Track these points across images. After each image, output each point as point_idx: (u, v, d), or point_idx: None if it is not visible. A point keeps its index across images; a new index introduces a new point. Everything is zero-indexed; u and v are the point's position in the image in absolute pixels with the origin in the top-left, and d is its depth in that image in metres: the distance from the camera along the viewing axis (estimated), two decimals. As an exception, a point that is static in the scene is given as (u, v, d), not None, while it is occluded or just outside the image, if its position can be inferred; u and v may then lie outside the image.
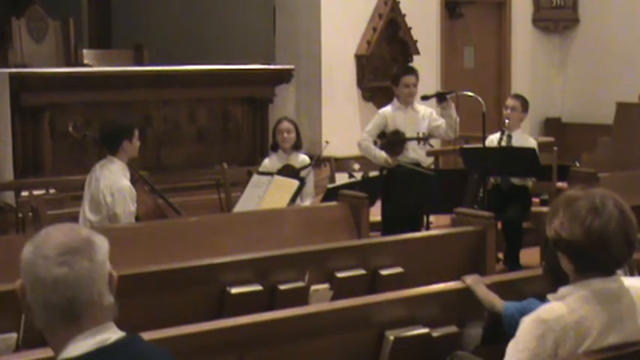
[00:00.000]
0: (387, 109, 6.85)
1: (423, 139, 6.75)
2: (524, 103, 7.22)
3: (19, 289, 2.01)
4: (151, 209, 5.86)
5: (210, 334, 3.19)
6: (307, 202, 6.44)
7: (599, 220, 2.57)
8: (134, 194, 5.63)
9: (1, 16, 10.52)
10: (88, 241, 2.01)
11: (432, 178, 6.58)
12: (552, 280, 2.69)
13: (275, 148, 6.73)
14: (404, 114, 6.78)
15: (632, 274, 3.21)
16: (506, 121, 7.12)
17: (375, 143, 6.76)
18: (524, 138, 7.27)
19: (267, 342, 3.29)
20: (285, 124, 6.71)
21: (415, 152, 6.77)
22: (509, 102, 7.26)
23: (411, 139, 6.70)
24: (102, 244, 2.03)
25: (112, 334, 2.01)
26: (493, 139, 7.19)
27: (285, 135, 6.64)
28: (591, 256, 2.59)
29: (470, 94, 6.88)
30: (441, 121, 6.78)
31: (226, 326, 3.27)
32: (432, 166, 7.41)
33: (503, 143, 7.09)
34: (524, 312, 2.94)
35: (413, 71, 6.91)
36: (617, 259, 2.63)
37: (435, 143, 7.69)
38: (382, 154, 6.69)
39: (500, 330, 3.44)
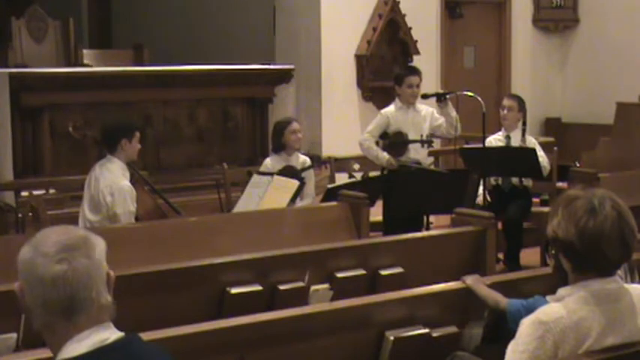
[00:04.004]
0: (389, 110, 6.86)
1: (427, 142, 6.77)
2: (521, 103, 7.23)
3: (19, 291, 2.01)
4: (150, 209, 5.86)
5: (210, 334, 3.19)
6: (306, 202, 6.41)
7: (594, 221, 2.56)
8: (134, 194, 5.63)
9: (1, 16, 10.52)
10: (85, 239, 2.02)
11: (443, 175, 6.60)
12: (561, 279, 2.68)
13: (279, 149, 6.54)
14: (406, 114, 6.79)
15: (632, 275, 3.21)
16: (513, 123, 7.16)
17: (377, 144, 6.77)
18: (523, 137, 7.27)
19: (267, 342, 3.29)
20: (297, 125, 6.59)
21: (417, 152, 6.80)
22: (506, 102, 7.26)
23: (414, 141, 6.72)
24: (98, 242, 2.04)
25: (111, 334, 2.01)
26: (492, 141, 7.19)
27: (299, 135, 6.57)
28: (586, 257, 2.59)
29: (470, 94, 6.89)
30: (441, 120, 6.82)
31: (226, 326, 3.27)
32: (433, 166, 7.41)
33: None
34: (530, 309, 2.94)
35: (417, 72, 6.93)
36: (612, 260, 2.62)
37: (435, 143, 7.69)
38: (385, 155, 6.70)
39: (501, 330, 3.44)
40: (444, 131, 6.87)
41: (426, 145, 6.84)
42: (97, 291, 1.99)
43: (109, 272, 2.05)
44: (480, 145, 6.96)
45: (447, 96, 6.80)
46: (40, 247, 1.98)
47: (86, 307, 1.97)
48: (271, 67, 9.24)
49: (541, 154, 6.95)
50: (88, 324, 1.98)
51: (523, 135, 7.12)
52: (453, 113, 6.76)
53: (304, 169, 6.50)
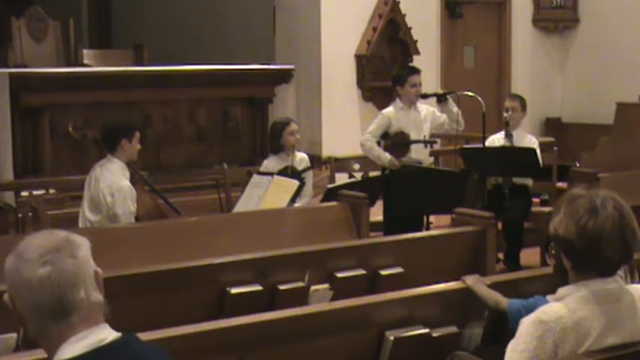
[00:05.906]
0: (390, 110, 6.86)
1: (430, 142, 6.77)
2: (523, 103, 7.24)
3: (9, 301, 2.00)
4: (151, 209, 5.85)
5: (210, 334, 3.19)
6: (303, 201, 6.40)
7: (595, 221, 2.56)
8: (134, 194, 5.63)
9: (1, 16, 10.51)
10: (67, 240, 2.02)
11: (452, 174, 6.62)
12: (562, 278, 2.68)
13: (278, 150, 6.49)
14: (407, 115, 6.79)
15: (632, 275, 3.20)
16: (510, 122, 7.15)
17: (378, 144, 6.77)
18: (523, 136, 7.28)
19: (267, 342, 3.29)
20: (295, 125, 6.55)
21: (418, 153, 6.81)
22: (509, 103, 7.27)
23: (417, 141, 6.72)
24: (82, 242, 2.04)
25: (108, 334, 2.00)
26: (494, 140, 7.20)
27: (297, 136, 6.55)
28: (585, 256, 2.59)
29: (470, 94, 6.89)
30: (443, 118, 6.83)
31: (226, 326, 3.26)
32: (433, 166, 7.41)
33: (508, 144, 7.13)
34: (530, 308, 2.94)
35: (419, 71, 6.93)
36: (612, 260, 2.62)
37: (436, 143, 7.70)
38: (387, 156, 6.70)
39: (501, 330, 3.44)
40: (448, 127, 6.87)
41: (428, 146, 6.85)
42: (85, 290, 1.99)
43: (97, 270, 2.04)
44: (480, 145, 6.96)
45: (447, 96, 6.81)
46: (23, 254, 1.98)
47: (77, 307, 1.97)
48: (271, 67, 9.24)
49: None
50: (83, 324, 1.98)
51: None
52: (455, 109, 6.77)
53: (304, 170, 6.50)
